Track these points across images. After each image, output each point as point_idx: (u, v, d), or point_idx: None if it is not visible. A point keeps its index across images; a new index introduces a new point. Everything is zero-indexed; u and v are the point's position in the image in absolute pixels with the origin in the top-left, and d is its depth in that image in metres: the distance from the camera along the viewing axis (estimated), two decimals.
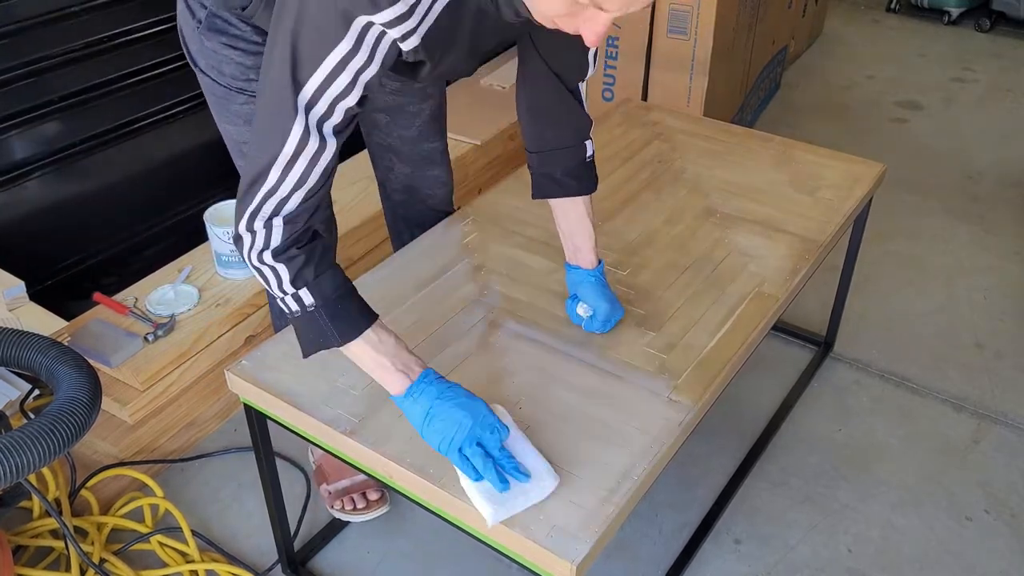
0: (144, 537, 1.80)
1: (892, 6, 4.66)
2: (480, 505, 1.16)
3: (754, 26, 3.19)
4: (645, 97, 3.00)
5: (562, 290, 1.60)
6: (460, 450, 1.17)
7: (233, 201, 2.11)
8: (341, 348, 1.22)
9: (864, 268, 2.54)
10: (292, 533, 1.79)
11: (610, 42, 2.97)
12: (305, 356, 1.24)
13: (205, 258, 2.20)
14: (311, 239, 1.18)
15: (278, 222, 1.14)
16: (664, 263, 1.69)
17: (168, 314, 2.02)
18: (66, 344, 1.52)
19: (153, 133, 2.41)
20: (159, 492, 1.89)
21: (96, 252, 2.39)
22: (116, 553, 1.77)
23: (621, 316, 1.51)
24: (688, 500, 1.90)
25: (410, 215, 1.85)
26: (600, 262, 1.51)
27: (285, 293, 1.18)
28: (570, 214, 1.48)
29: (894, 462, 2.00)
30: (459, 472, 1.19)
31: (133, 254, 2.48)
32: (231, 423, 2.12)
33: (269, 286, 1.19)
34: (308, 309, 1.18)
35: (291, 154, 1.09)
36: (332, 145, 1.10)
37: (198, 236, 2.19)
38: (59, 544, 1.75)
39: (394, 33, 1.04)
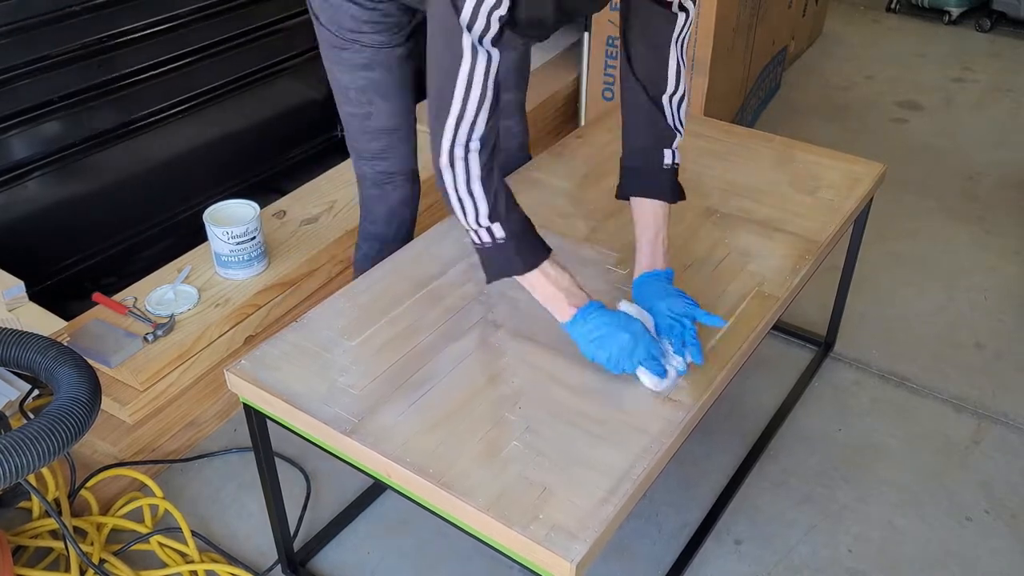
0: (144, 537, 1.80)
1: (892, 6, 4.66)
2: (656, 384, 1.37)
3: (754, 26, 3.19)
4: None
5: None
6: (630, 363, 1.35)
7: (233, 201, 2.14)
8: (520, 277, 1.37)
9: (864, 268, 2.53)
10: (292, 533, 1.79)
11: (610, 42, 2.97)
12: (489, 282, 1.39)
13: (205, 258, 2.20)
14: (500, 177, 1.32)
15: (475, 146, 1.27)
16: None
17: (168, 314, 2.02)
18: (66, 344, 1.52)
19: (153, 133, 2.41)
20: (159, 492, 1.89)
21: (96, 252, 2.39)
22: (116, 553, 1.77)
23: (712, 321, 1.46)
24: (688, 500, 1.90)
25: None
26: (669, 270, 1.51)
27: (480, 226, 1.32)
28: (646, 216, 1.52)
29: (894, 462, 2.00)
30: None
31: (133, 254, 2.48)
32: (231, 423, 2.12)
33: (466, 218, 1.32)
34: (498, 241, 1.33)
35: (468, 73, 1.22)
36: (496, 57, 1.23)
37: (198, 236, 2.19)
38: (59, 544, 1.75)
39: None
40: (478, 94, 1.24)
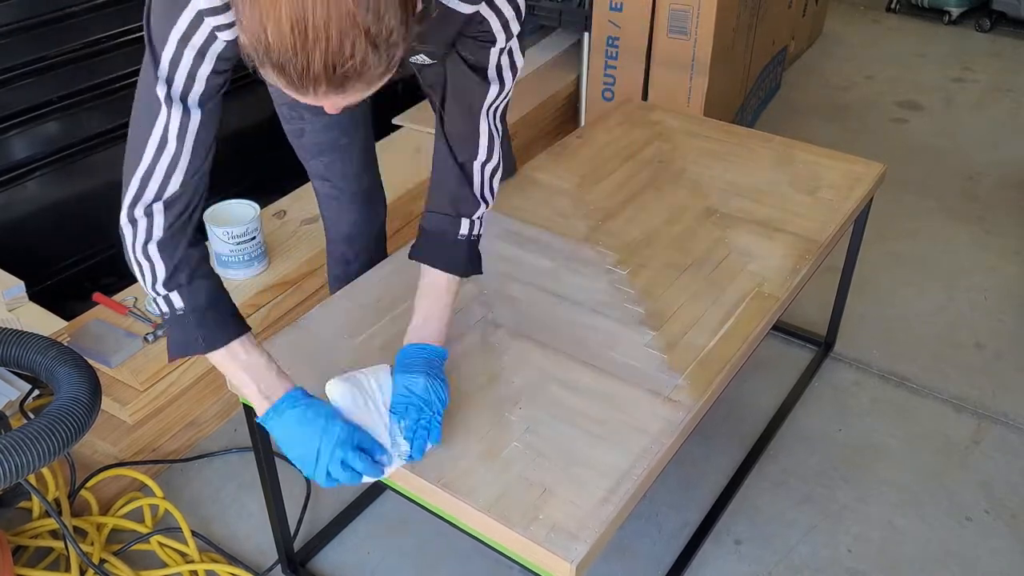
0: (144, 537, 1.80)
1: (892, 6, 4.66)
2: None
3: (754, 26, 3.19)
4: (645, 97, 3.01)
5: (562, 289, 1.60)
6: (328, 473, 1.22)
7: (232, 201, 2.14)
8: (207, 356, 1.24)
9: (864, 268, 2.53)
10: (292, 533, 1.79)
11: (610, 42, 2.97)
12: (170, 360, 1.27)
13: None
14: (190, 244, 1.21)
15: (159, 207, 1.16)
16: (664, 263, 1.69)
17: None
18: (66, 344, 1.52)
19: None
20: (159, 492, 1.89)
21: (96, 252, 2.39)
22: (116, 553, 1.77)
23: (435, 440, 1.27)
24: (688, 500, 1.90)
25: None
26: (444, 351, 1.35)
27: (158, 293, 1.21)
28: (430, 285, 1.38)
29: (894, 462, 2.00)
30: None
31: None
32: (231, 423, 2.12)
33: (144, 282, 1.21)
34: (177, 312, 1.21)
35: (162, 129, 1.12)
36: (197, 116, 1.13)
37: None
38: (59, 544, 1.75)
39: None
40: (171, 155, 1.14)
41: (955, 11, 4.45)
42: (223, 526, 1.86)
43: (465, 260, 1.39)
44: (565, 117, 3.25)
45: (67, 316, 2.03)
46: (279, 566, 1.76)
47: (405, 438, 1.24)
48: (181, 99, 1.11)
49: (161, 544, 1.79)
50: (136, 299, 2.07)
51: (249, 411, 1.48)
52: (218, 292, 1.25)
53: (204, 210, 1.29)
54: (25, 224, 2.20)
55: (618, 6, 2.88)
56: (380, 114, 3.11)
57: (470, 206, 1.36)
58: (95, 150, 2.29)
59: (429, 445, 1.26)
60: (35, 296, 2.07)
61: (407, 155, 2.69)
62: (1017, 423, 2.11)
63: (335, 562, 1.79)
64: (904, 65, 4.07)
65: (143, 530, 1.82)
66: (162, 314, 1.23)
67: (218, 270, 2.13)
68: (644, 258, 1.71)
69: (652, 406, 1.36)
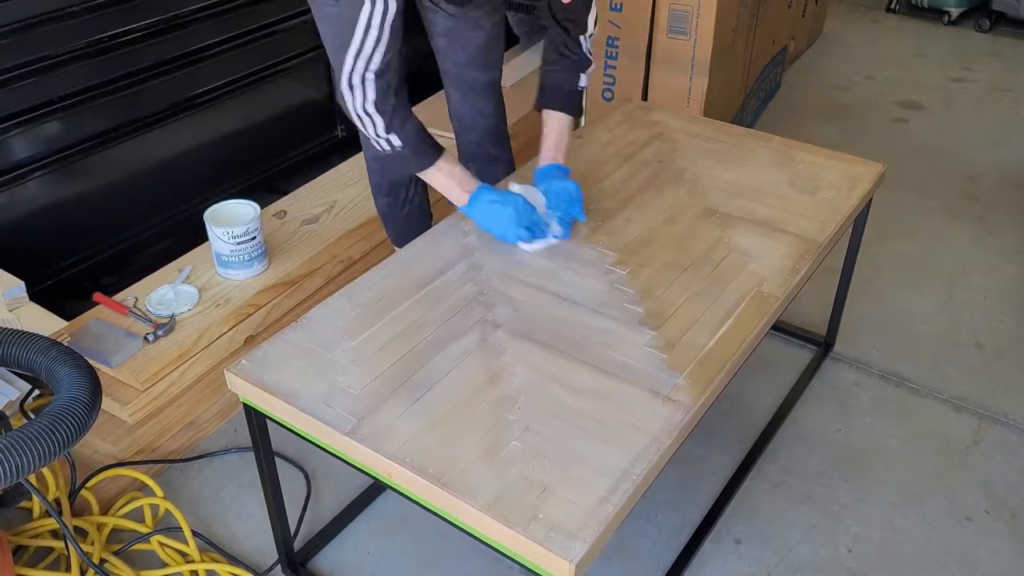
0: (144, 537, 1.80)
1: (892, 6, 4.66)
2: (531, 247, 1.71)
3: (754, 26, 3.19)
4: (645, 97, 3.01)
5: (562, 290, 1.61)
6: (514, 235, 1.69)
7: (233, 201, 2.15)
8: (420, 172, 1.71)
9: (864, 268, 2.54)
10: (292, 533, 1.79)
11: (610, 42, 2.97)
12: (395, 176, 1.92)
13: (205, 258, 2.20)
14: (396, 100, 1.62)
15: (370, 76, 1.56)
16: (664, 263, 1.69)
17: (168, 314, 2.03)
18: (66, 344, 1.52)
19: (153, 133, 2.41)
20: (159, 492, 1.89)
21: (96, 252, 2.39)
22: (116, 553, 1.77)
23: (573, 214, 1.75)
24: (688, 500, 1.90)
25: (462, 146, 2.17)
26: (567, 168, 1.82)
27: (380, 137, 1.64)
28: (555, 124, 1.84)
29: (894, 462, 2.00)
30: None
31: (133, 254, 2.48)
32: (231, 423, 2.12)
33: (367, 131, 1.65)
34: (397, 149, 1.66)
35: (367, 17, 1.51)
36: (394, 5, 1.52)
37: (198, 236, 2.20)
38: (59, 544, 1.75)
39: None
40: (375, 36, 1.52)
41: (955, 11, 4.45)
42: (223, 526, 1.87)
43: (579, 106, 1.88)
44: None
45: (67, 316, 2.04)
46: (279, 566, 1.76)
47: (559, 223, 1.74)
48: None
49: (161, 544, 1.79)
50: (136, 299, 2.08)
51: (249, 411, 1.48)
52: (421, 129, 1.68)
53: (401, 80, 1.68)
54: (25, 224, 2.21)
55: (618, 6, 2.88)
56: None
57: (585, 64, 1.84)
58: (95, 150, 2.29)
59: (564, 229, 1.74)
60: (35, 296, 2.07)
61: None
62: (1017, 423, 2.11)
63: (335, 562, 1.79)
64: (904, 65, 4.08)
65: (143, 530, 1.82)
66: (382, 152, 1.68)
67: (218, 270, 2.15)
68: (644, 258, 1.71)
69: (652, 406, 1.36)
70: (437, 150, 1.70)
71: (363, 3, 1.49)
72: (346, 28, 1.52)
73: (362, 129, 1.65)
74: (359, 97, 1.58)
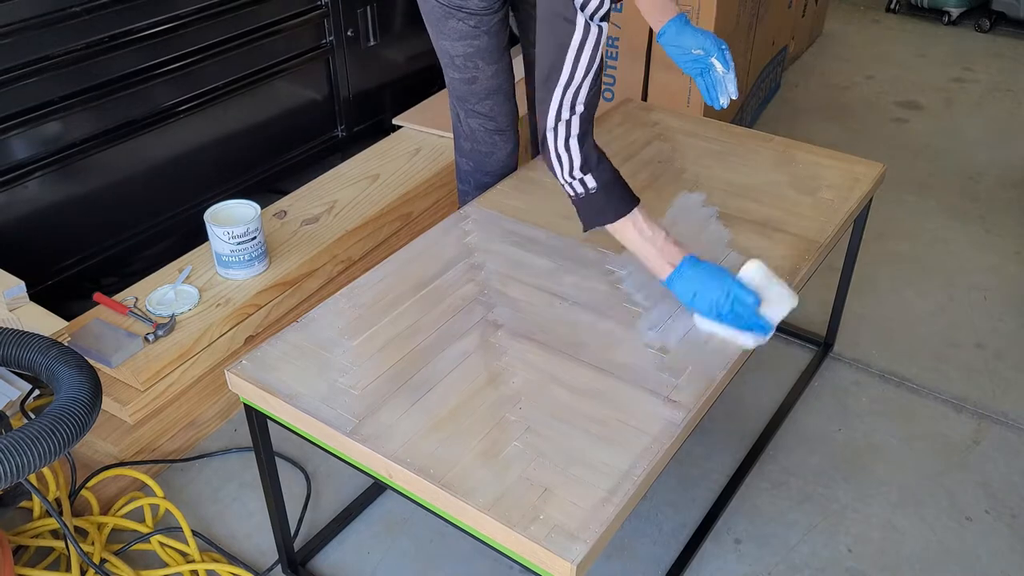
0: (144, 537, 1.80)
1: (892, 6, 4.66)
2: (743, 339, 1.48)
3: (754, 26, 3.19)
4: (645, 97, 3.00)
5: (562, 290, 1.60)
6: (721, 316, 1.47)
7: (233, 201, 2.14)
8: (611, 229, 1.50)
9: (864, 268, 2.54)
10: (292, 533, 1.79)
11: (610, 42, 2.97)
12: (585, 230, 1.53)
13: (205, 258, 2.20)
14: (593, 137, 1.47)
15: (579, 108, 1.43)
16: None
17: (168, 314, 2.03)
18: (66, 344, 1.52)
19: (153, 133, 2.41)
20: (159, 492, 1.89)
21: (96, 252, 2.39)
22: (116, 553, 1.77)
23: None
24: (688, 500, 1.90)
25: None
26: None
27: (574, 178, 1.46)
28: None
29: (894, 462, 2.00)
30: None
31: (133, 254, 2.48)
32: (231, 423, 2.12)
33: (562, 171, 1.47)
34: (591, 191, 1.47)
35: (578, 44, 1.38)
36: (605, 30, 1.40)
37: (198, 236, 2.20)
38: (59, 544, 1.75)
39: None
40: (585, 64, 1.39)
41: (955, 11, 4.45)
42: (223, 526, 1.87)
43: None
44: None
45: (68, 316, 2.03)
46: (279, 566, 1.76)
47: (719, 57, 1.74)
48: (591, 18, 1.37)
49: (162, 544, 1.79)
50: (136, 299, 2.08)
51: (249, 411, 1.48)
52: (616, 172, 1.49)
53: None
54: (25, 224, 2.20)
55: (618, 6, 2.87)
56: (381, 114, 3.12)
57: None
58: (95, 150, 2.29)
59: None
60: (35, 296, 2.07)
61: (406, 156, 2.69)
62: (1017, 423, 2.11)
63: (335, 562, 1.79)
64: (904, 65, 4.08)
65: (144, 530, 1.82)
66: (575, 195, 1.49)
67: (218, 270, 2.15)
68: None
69: (652, 406, 1.36)
70: (633, 198, 1.49)
71: (574, 30, 1.37)
72: (557, 57, 1.39)
73: (555, 168, 1.47)
74: (562, 132, 1.44)
